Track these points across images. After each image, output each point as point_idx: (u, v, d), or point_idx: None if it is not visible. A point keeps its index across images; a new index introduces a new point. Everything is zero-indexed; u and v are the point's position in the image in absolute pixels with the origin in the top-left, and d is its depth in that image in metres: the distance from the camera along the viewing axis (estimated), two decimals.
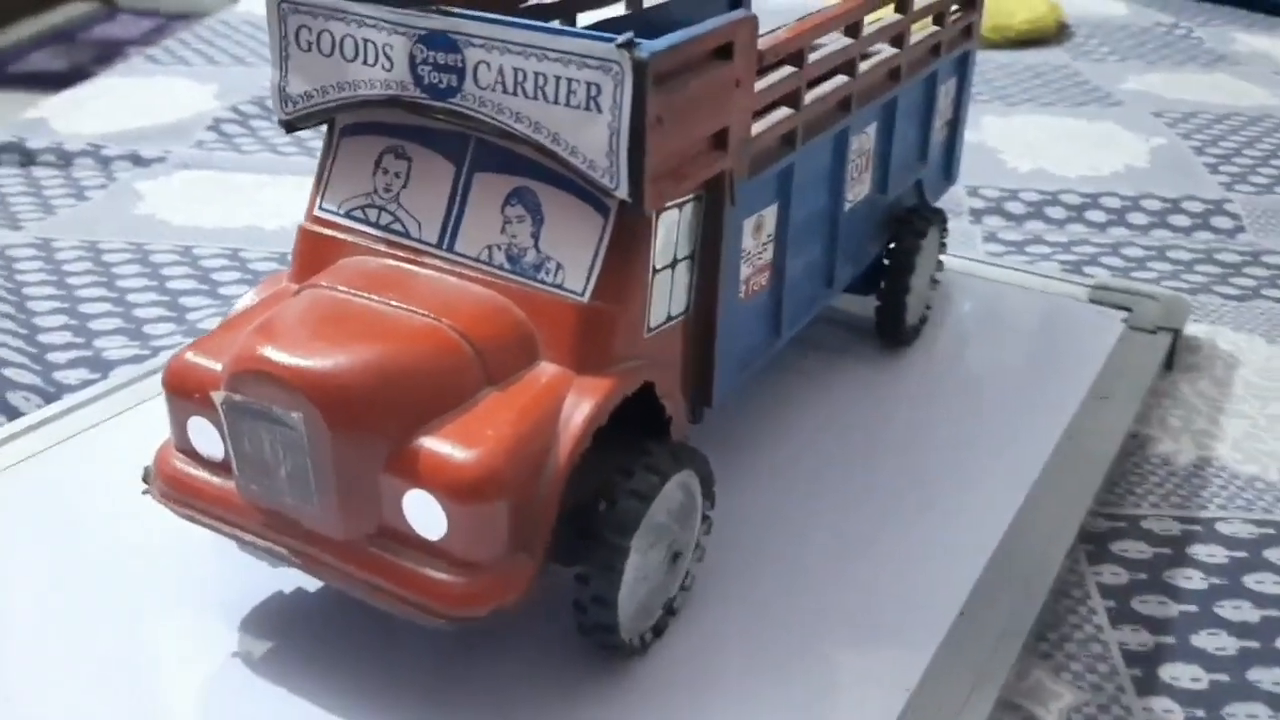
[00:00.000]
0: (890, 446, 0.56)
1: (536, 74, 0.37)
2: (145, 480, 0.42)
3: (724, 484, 0.45)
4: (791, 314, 0.51)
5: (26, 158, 0.96)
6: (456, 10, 0.38)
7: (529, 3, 0.54)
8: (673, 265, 0.42)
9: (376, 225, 0.43)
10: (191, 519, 0.41)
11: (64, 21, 3.06)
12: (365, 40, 0.40)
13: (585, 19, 0.57)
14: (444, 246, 0.41)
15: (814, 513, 0.51)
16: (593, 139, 0.37)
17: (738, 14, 0.40)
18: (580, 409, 0.38)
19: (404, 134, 0.42)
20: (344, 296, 0.40)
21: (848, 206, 0.55)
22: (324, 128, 0.44)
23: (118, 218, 0.83)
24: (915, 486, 0.53)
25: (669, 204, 0.40)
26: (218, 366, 0.39)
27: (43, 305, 0.69)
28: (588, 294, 0.39)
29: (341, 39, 0.41)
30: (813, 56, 0.48)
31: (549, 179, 0.39)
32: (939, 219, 0.63)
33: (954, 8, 0.62)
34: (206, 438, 0.40)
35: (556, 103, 0.37)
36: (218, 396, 0.38)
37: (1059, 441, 0.56)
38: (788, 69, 0.46)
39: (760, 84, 0.44)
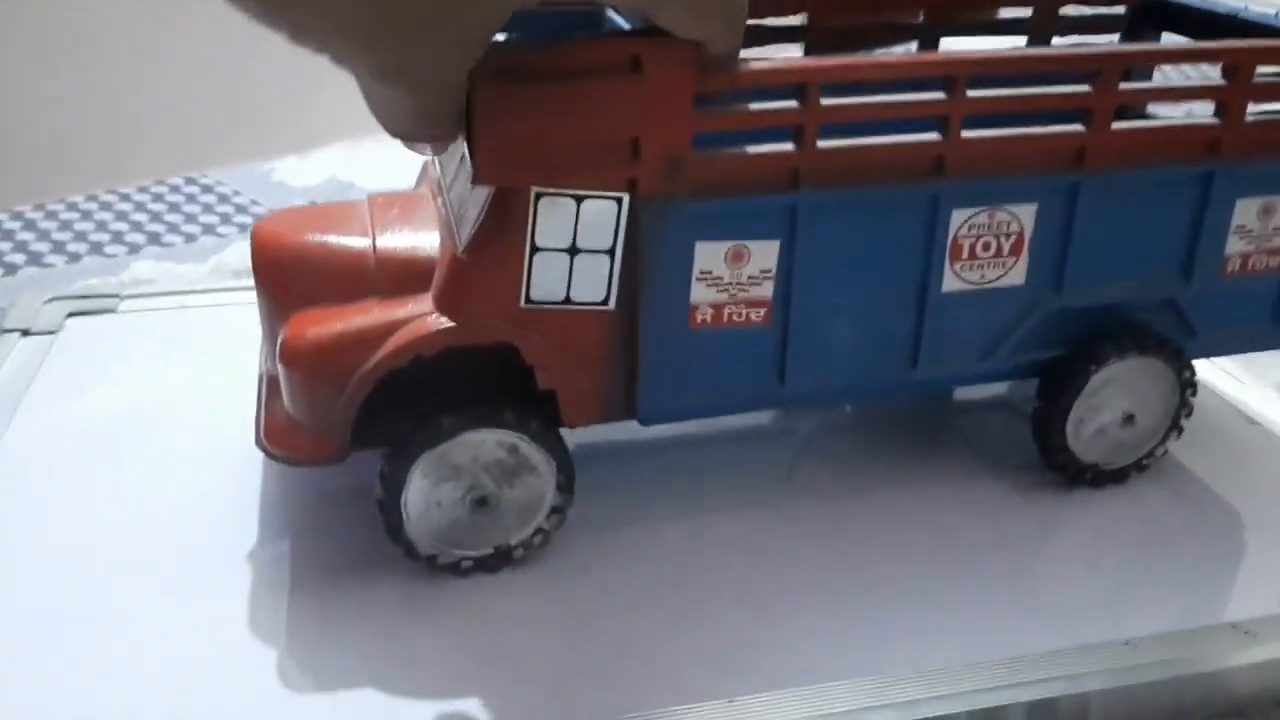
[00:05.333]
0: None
1: None
2: None
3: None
4: (812, 368, 0.49)
5: None
6: None
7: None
8: (574, 252, 0.45)
9: (439, 167, 0.52)
10: None
11: None
12: None
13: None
14: (446, 191, 0.50)
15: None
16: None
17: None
18: (406, 334, 0.44)
19: None
20: (355, 205, 0.51)
21: (958, 286, 0.49)
22: None
23: None
24: None
25: (562, 191, 0.43)
26: None
27: None
28: (462, 247, 0.45)
29: None
30: (853, 99, 0.45)
31: None
32: (1168, 354, 0.51)
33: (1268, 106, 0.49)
34: None
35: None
36: None
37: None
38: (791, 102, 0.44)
39: (721, 110, 0.43)
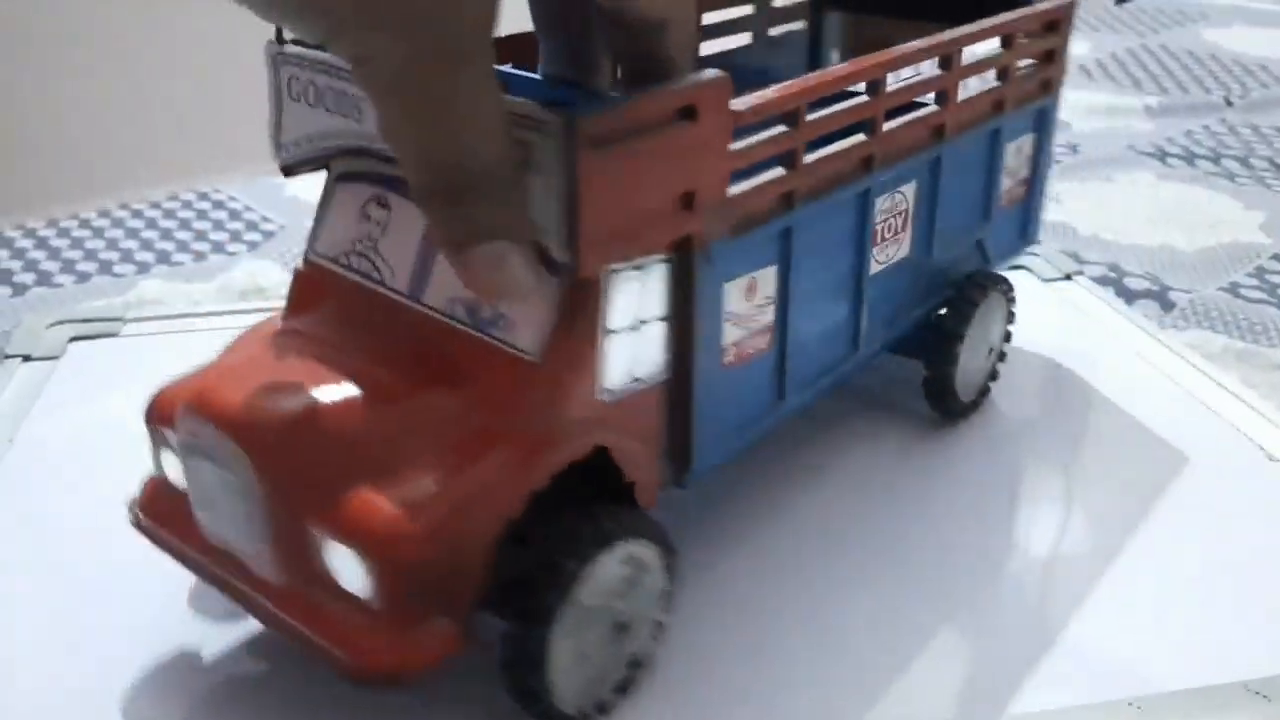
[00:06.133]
0: (892, 531, 0.52)
1: None
2: (129, 509, 0.44)
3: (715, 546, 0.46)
4: (801, 378, 0.49)
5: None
6: None
7: None
8: (637, 327, 0.41)
9: (358, 271, 0.43)
10: (159, 545, 0.42)
11: None
12: (342, 92, 0.41)
13: None
14: (413, 295, 0.42)
15: (790, 597, 0.48)
16: (534, 199, 0.36)
17: (708, 74, 0.39)
18: (516, 474, 0.37)
19: (387, 183, 0.43)
20: (302, 342, 0.41)
21: (876, 268, 0.52)
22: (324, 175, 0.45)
23: None
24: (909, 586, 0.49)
25: (626, 265, 0.39)
26: None
27: None
28: (535, 352, 0.38)
29: (324, 90, 0.42)
30: (823, 111, 0.46)
31: None
32: (1001, 286, 0.60)
33: (1024, 63, 0.59)
34: (176, 470, 0.41)
35: None
36: (170, 434, 0.39)
37: None
38: (781, 127, 0.44)
39: (744, 143, 0.42)
